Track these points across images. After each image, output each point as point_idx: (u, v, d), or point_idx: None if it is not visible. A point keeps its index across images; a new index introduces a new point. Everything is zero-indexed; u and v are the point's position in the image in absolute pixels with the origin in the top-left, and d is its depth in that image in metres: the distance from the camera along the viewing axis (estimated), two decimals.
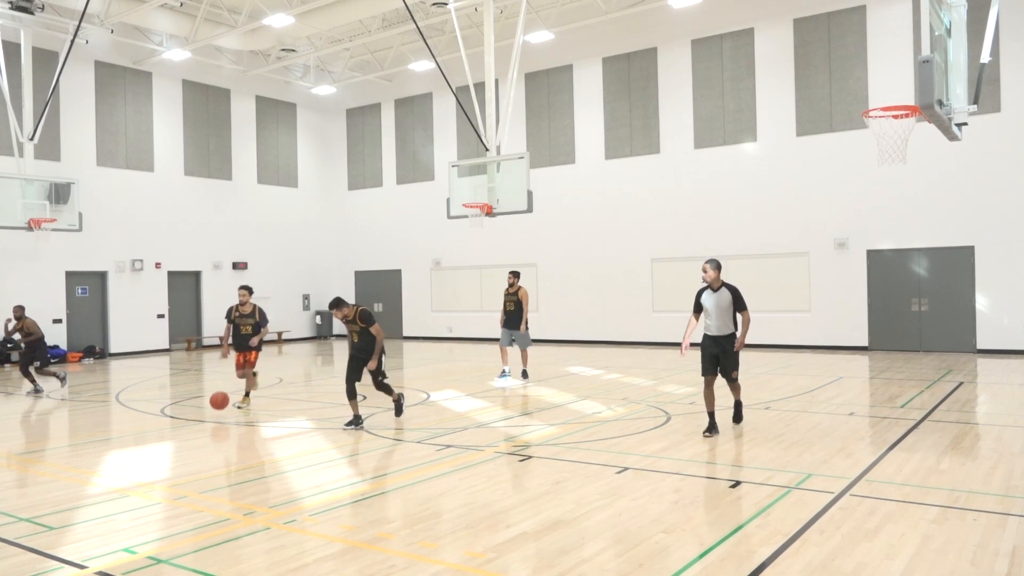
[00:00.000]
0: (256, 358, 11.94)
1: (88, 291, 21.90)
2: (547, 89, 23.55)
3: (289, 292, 26.88)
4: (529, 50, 22.43)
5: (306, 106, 27.64)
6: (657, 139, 21.71)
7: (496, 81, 16.37)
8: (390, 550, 5.33)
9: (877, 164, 10.55)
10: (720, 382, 9.23)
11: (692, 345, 9.36)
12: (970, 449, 8.08)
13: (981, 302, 17.59)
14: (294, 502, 6.63)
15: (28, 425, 11.51)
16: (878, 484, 6.73)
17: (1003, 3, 14.83)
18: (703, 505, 6.37)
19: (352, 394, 9.90)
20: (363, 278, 28.02)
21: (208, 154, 24.72)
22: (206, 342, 24.26)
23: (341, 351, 22.58)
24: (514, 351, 14.89)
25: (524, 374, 14.51)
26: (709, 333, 8.99)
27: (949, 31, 8.21)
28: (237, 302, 11.94)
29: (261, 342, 11.86)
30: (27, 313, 16.01)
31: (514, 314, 14.33)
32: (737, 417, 9.42)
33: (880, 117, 9.42)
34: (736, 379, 9.08)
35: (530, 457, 8.14)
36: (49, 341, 20.41)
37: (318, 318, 27.73)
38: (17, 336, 14.42)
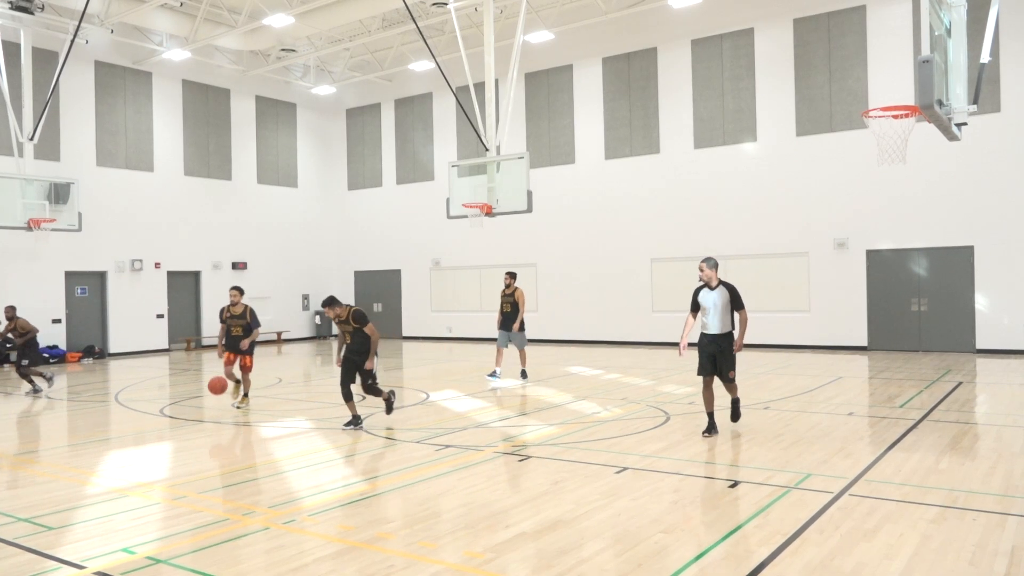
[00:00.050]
0: (251, 363, 11.65)
1: (87, 291, 21.90)
2: (547, 89, 23.54)
3: (289, 292, 26.90)
4: (529, 50, 22.42)
5: (306, 106, 27.64)
6: (657, 139, 21.70)
7: (496, 81, 16.37)
8: (389, 550, 5.33)
9: (877, 164, 10.54)
10: (718, 381, 9.21)
11: (691, 345, 9.34)
12: (969, 449, 8.09)
13: (981, 302, 17.59)
14: (293, 502, 6.63)
15: (28, 425, 11.51)
16: (877, 484, 6.73)
17: (1003, 3, 14.81)
18: (702, 505, 6.37)
19: (348, 396, 9.88)
20: (363, 278, 28.02)
21: (208, 154, 24.71)
22: (205, 342, 24.24)
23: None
24: (511, 352, 14.88)
25: (523, 374, 14.50)
26: (706, 332, 8.95)
27: (949, 31, 8.21)
28: (229, 303, 11.72)
29: (252, 345, 11.54)
30: (27, 313, 16.01)
31: (511, 315, 14.29)
32: (735, 415, 9.35)
33: (880, 117, 9.41)
34: (733, 379, 9.05)
35: (529, 457, 8.14)
36: (49, 341, 20.44)
37: (317, 318, 27.74)
38: (12, 336, 14.39)
